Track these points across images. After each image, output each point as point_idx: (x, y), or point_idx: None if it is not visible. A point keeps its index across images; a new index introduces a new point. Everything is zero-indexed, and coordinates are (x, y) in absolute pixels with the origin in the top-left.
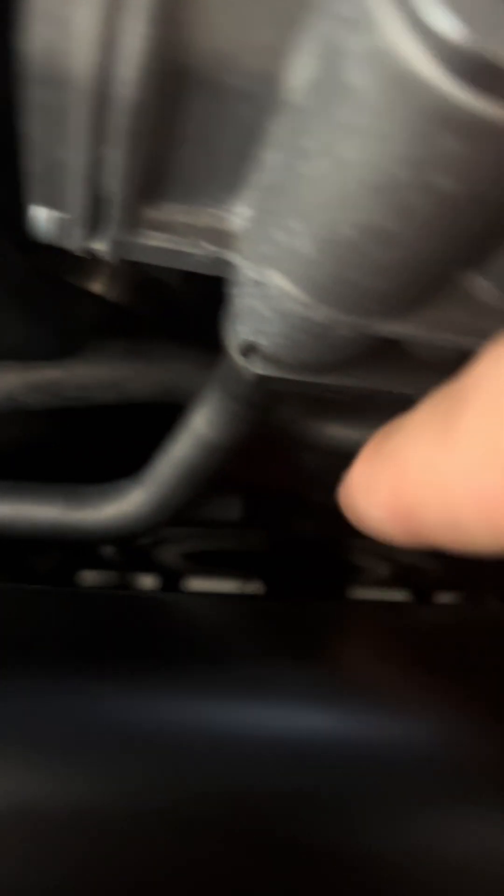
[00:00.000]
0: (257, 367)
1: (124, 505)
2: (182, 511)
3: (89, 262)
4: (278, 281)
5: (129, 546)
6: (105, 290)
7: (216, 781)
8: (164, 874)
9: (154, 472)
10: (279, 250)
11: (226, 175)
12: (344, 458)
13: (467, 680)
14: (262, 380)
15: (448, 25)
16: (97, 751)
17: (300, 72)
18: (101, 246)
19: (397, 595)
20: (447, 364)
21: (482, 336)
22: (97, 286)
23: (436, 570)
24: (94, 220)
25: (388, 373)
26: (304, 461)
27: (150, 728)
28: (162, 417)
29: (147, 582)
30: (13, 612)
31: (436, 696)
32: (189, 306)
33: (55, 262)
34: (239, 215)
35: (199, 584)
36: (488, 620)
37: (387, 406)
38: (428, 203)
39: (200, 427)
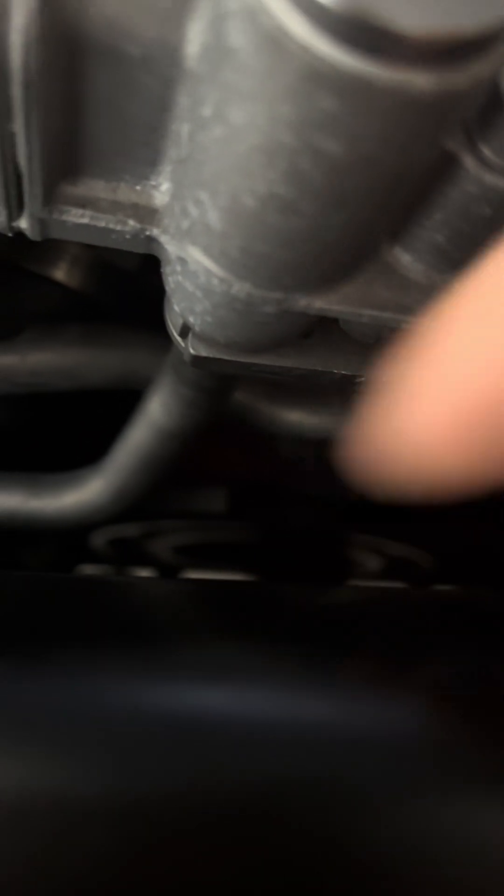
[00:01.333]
0: (193, 348)
1: (84, 493)
2: (142, 499)
3: (49, 250)
4: (197, 256)
5: (123, 540)
6: (65, 277)
7: (185, 767)
8: (154, 863)
9: (113, 460)
10: (194, 224)
11: (142, 149)
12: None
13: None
14: (199, 360)
15: None
16: (77, 737)
17: (195, 38)
18: (24, 224)
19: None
20: (383, 343)
21: (408, 312)
22: (58, 273)
23: (429, 563)
24: (14, 198)
25: (326, 353)
26: (283, 451)
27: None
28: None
29: (143, 576)
30: None
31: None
32: (148, 292)
33: (14, 249)
34: (160, 191)
35: (194, 577)
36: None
37: (350, 392)
38: (318, 168)
39: (156, 413)
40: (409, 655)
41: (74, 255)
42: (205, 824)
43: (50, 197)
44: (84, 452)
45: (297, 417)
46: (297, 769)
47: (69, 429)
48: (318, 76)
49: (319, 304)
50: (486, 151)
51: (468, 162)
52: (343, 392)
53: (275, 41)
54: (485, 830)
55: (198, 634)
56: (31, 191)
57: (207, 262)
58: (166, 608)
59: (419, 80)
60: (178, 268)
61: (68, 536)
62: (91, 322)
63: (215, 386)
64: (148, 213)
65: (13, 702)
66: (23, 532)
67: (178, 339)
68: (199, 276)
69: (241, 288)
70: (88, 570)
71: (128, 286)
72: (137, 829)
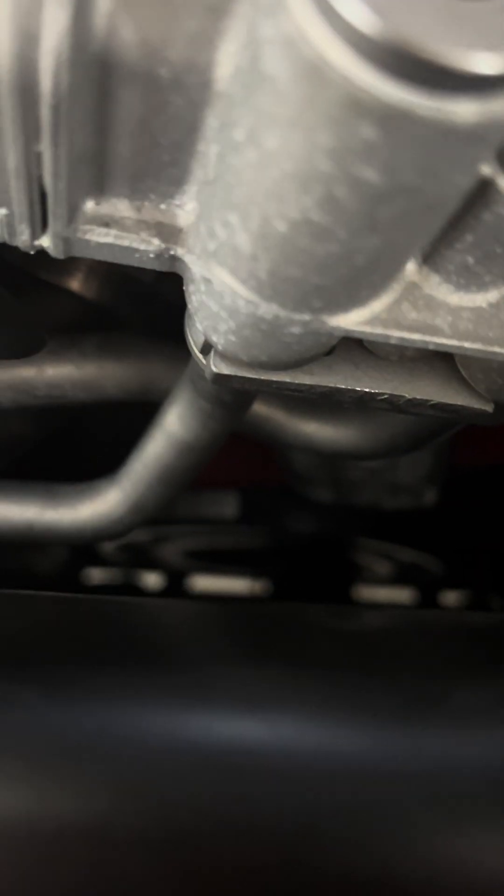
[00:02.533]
0: (215, 366)
1: (100, 504)
2: (159, 511)
3: (65, 261)
4: (224, 277)
5: (132, 545)
6: (82, 288)
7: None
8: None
9: (129, 472)
10: (221, 246)
11: (168, 168)
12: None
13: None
14: (221, 378)
15: (357, 12)
16: (79, 762)
17: (227, 61)
18: (47, 242)
19: (402, 593)
20: (407, 361)
21: (433, 333)
22: (74, 284)
23: (438, 569)
24: (38, 216)
25: (348, 370)
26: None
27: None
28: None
29: (151, 580)
30: None
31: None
32: (165, 304)
33: (31, 260)
34: (185, 210)
35: (204, 582)
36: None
37: (366, 406)
38: (353, 194)
39: (173, 426)
40: (437, 683)
41: (90, 266)
42: (207, 853)
43: (74, 216)
44: (101, 463)
45: (311, 430)
46: (331, 802)
47: (86, 440)
48: (359, 105)
49: (347, 325)
50: None
51: (501, 184)
52: (362, 408)
53: (314, 70)
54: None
55: (216, 659)
56: (56, 210)
57: (234, 284)
58: (182, 631)
59: (460, 109)
60: (203, 287)
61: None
62: (107, 333)
63: (233, 400)
64: (172, 233)
65: (25, 726)
66: (44, 543)
67: (200, 356)
68: (225, 297)
69: (268, 309)
70: (96, 573)
71: (144, 297)
72: (137, 854)
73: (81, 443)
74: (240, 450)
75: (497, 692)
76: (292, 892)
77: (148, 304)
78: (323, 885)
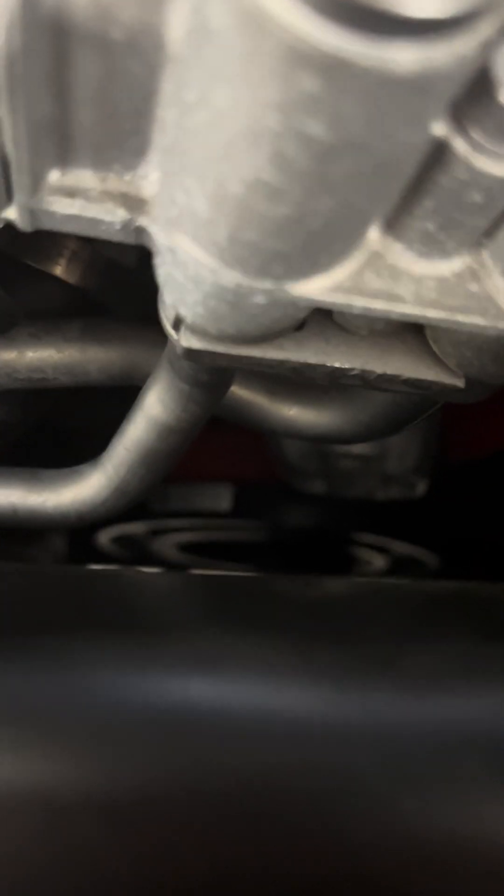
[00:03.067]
0: (185, 341)
1: (84, 488)
2: (144, 495)
3: (48, 246)
4: (186, 245)
5: (128, 538)
6: (65, 274)
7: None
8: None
9: (112, 455)
10: (182, 213)
11: (130, 137)
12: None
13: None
14: (192, 353)
15: None
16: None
17: (177, 22)
18: (12, 214)
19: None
20: (378, 336)
21: (396, 302)
22: (57, 269)
23: (433, 561)
24: (2, 187)
25: (319, 345)
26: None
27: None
28: None
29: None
30: None
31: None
32: (147, 288)
33: (13, 244)
34: (148, 180)
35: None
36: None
37: (347, 389)
38: (302, 151)
39: (153, 408)
40: (392, 644)
41: (73, 251)
42: (199, 813)
43: (38, 186)
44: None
45: (293, 414)
46: (291, 761)
47: (70, 424)
48: (299, 56)
49: (309, 293)
50: (476, 136)
51: (458, 147)
52: (337, 386)
53: (254, 21)
54: (479, 818)
55: (193, 626)
56: (19, 180)
57: (196, 251)
58: (162, 600)
59: (400, 56)
60: (168, 258)
61: (76, 536)
62: (91, 317)
63: (211, 380)
64: (137, 203)
65: (6, 693)
66: (29, 530)
67: (171, 331)
68: (189, 266)
69: (230, 277)
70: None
71: (126, 282)
72: (132, 819)
73: (69, 437)
74: (235, 445)
75: (448, 655)
76: (251, 850)
77: (131, 288)
78: (277, 843)
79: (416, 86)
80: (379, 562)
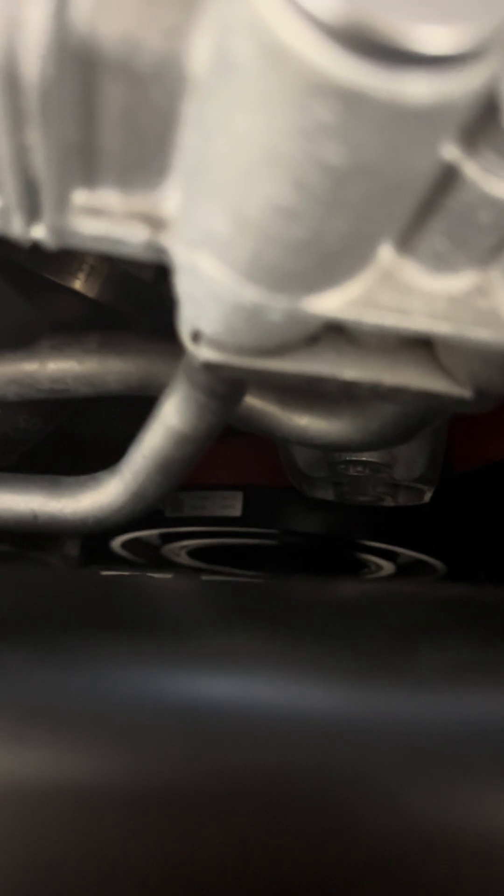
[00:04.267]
0: (204, 354)
1: (102, 495)
2: (159, 501)
3: (67, 260)
4: (206, 265)
5: (139, 541)
6: (84, 287)
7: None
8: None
9: (130, 463)
10: (202, 234)
11: (153, 160)
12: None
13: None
14: (210, 365)
15: None
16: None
17: (200, 52)
18: (40, 233)
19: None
20: (388, 348)
21: (408, 317)
22: (77, 283)
23: (440, 568)
24: (30, 206)
25: (333, 358)
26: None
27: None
28: None
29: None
30: None
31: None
32: (164, 302)
33: (34, 258)
34: (170, 201)
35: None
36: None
37: (357, 399)
38: (320, 177)
39: (170, 418)
40: (404, 642)
41: (92, 266)
42: (210, 813)
43: (65, 207)
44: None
45: (305, 423)
46: (305, 759)
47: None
48: (318, 89)
49: (324, 310)
50: (485, 160)
51: (467, 170)
52: (348, 397)
53: (275, 55)
54: (488, 821)
55: (214, 628)
56: (47, 200)
57: (216, 271)
58: (182, 603)
59: (414, 89)
60: (188, 276)
61: (91, 541)
62: (109, 330)
63: (226, 391)
64: (159, 223)
65: (24, 691)
66: (46, 536)
67: (190, 344)
68: (208, 284)
69: (248, 295)
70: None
71: (143, 295)
72: (145, 818)
73: (85, 445)
74: (245, 451)
75: (461, 655)
76: (266, 846)
77: (148, 302)
78: (294, 840)
79: (429, 115)
80: (387, 567)
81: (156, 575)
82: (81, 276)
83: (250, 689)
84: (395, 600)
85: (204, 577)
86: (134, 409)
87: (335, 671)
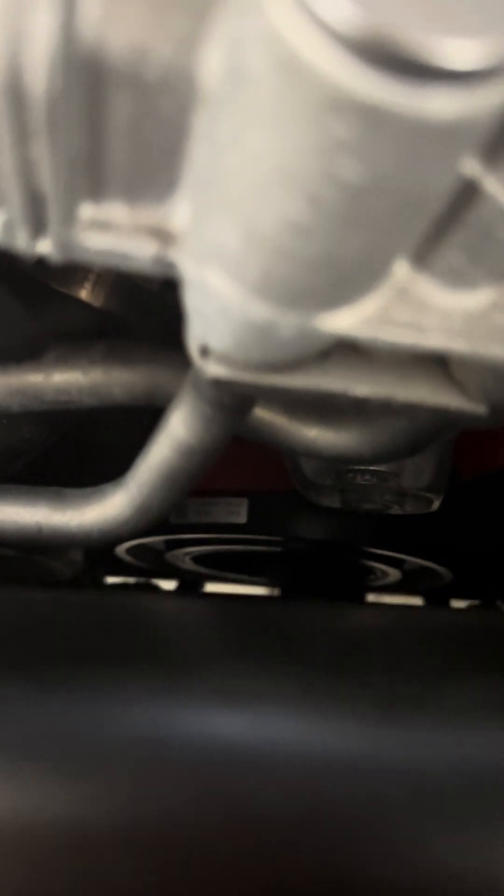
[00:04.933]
0: (212, 370)
1: (107, 507)
2: (166, 514)
3: (73, 269)
4: (216, 280)
5: (143, 547)
6: (90, 297)
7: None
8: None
9: (135, 475)
10: (213, 249)
11: (162, 173)
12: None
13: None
14: (219, 382)
15: (328, 5)
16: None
17: (212, 64)
18: (46, 247)
19: (411, 602)
20: (401, 363)
21: (424, 335)
22: (83, 293)
23: (447, 576)
24: (35, 220)
25: (345, 374)
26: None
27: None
28: None
29: (168, 587)
30: None
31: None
32: (171, 310)
33: (41, 269)
34: (180, 214)
35: (215, 588)
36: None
37: (363, 410)
38: (336, 194)
39: (177, 430)
40: (422, 680)
41: (98, 275)
42: (210, 849)
43: (71, 220)
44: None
45: (313, 434)
46: (318, 795)
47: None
48: (335, 103)
49: (337, 327)
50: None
51: (488, 186)
52: (360, 411)
53: (290, 68)
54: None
55: (216, 657)
56: (53, 213)
57: (226, 285)
58: (184, 628)
59: (436, 105)
60: (197, 290)
61: (96, 548)
62: (115, 340)
63: (234, 404)
64: (168, 237)
65: (22, 724)
66: (51, 546)
67: (198, 359)
68: (218, 300)
69: (259, 312)
70: (113, 581)
71: (151, 305)
72: (147, 853)
73: (91, 456)
74: (251, 457)
75: (477, 692)
76: (276, 886)
77: (155, 312)
78: (305, 880)
79: (451, 132)
80: (393, 574)
81: (161, 583)
82: (88, 285)
83: (256, 727)
84: (413, 631)
85: (209, 588)
86: (144, 418)
87: (345, 710)
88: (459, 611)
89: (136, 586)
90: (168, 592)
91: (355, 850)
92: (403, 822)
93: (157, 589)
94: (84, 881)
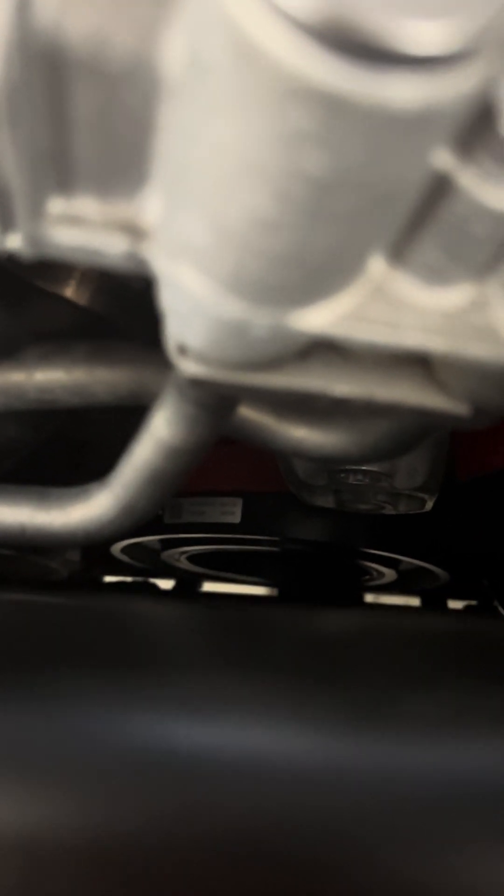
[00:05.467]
0: (190, 368)
1: (91, 508)
2: (151, 514)
3: (58, 267)
4: (188, 276)
5: (139, 546)
6: (75, 295)
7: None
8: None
9: (120, 476)
10: (183, 244)
11: (130, 166)
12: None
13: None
14: (197, 381)
15: None
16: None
17: (174, 53)
18: (16, 242)
19: (407, 603)
20: (382, 363)
21: (401, 334)
22: (68, 291)
23: (444, 577)
24: (3, 215)
25: (324, 374)
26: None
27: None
28: None
29: (166, 586)
30: None
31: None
32: (155, 309)
33: (25, 267)
34: (150, 210)
35: (210, 588)
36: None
37: (345, 410)
38: (302, 187)
39: (160, 430)
40: (399, 689)
41: (83, 273)
42: (190, 859)
43: (39, 214)
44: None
45: (301, 435)
46: (286, 806)
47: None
48: (293, 92)
49: (312, 325)
50: (479, 169)
51: (460, 180)
52: (341, 411)
53: (247, 55)
54: (474, 872)
55: (188, 664)
56: (20, 208)
57: (198, 282)
58: (158, 634)
59: (399, 93)
60: (170, 288)
61: (92, 547)
62: (99, 339)
63: (217, 404)
64: (139, 232)
65: None
66: (35, 546)
67: (176, 358)
68: (191, 297)
69: (231, 309)
70: (110, 580)
71: (136, 303)
72: (121, 866)
73: (83, 454)
74: (244, 458)
75: (446, 700)
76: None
77: (139, 311)
78: (269, 890)
79: (417, 121)
80: (389, 574)
81: (159, 582)
82: (72, 283)
83: (226, 736)
84: (392, 637)
85: (207, 588)
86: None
87: (319, 718)
88: (442, 614)
89: (133, 585)
90: (141, 594)
91: (323, 860)
92: (366, 833)
93: (154, 588)
94: (67, 891)
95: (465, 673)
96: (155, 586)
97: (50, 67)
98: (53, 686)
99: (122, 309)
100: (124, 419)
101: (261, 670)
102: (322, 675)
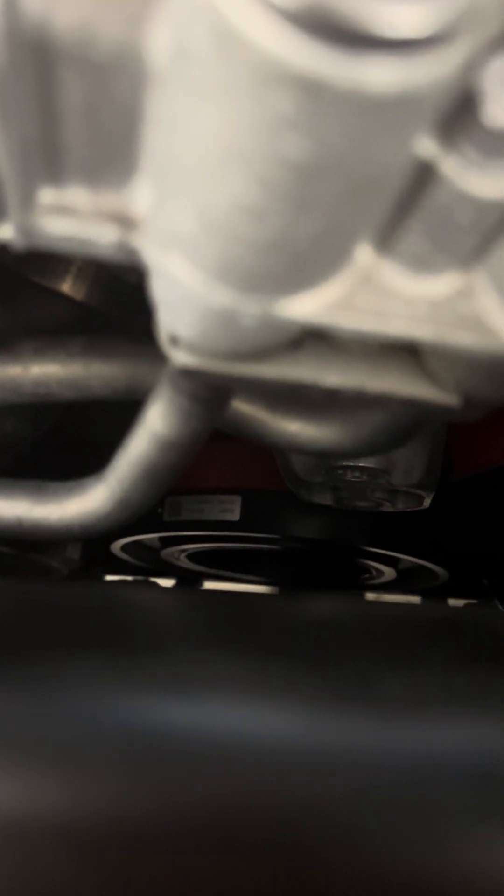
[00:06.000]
0: (182, 358)
1: (87, 502)
2: (147, 507)
3: (55, 262)
4: (177, 265)
5: (138, 544)
6: (71, 290)
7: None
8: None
9: (115, 469)
10: (172, 233)
11: (120, 156)
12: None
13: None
14: (189, 372)
15: None
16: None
17: (160, 41)
18: (7, 233)
19: (411, 601)
20: (373, 354)
21: (388, 323)
22: (64, 286)
23: (443, 575)
24: None
25: (315, 364)
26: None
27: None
28: None
29: (167, 585)
30: None
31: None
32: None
33: (20, 261)
34: (141, 199)
35: (213, 586)
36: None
37: (347, 406)
38: (285, 174)
39: (155, 423)
40: (380, 669)
41: (79, 268)
42: (171, 841)
43: (30, 204)
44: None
45: (295, 429)
46: (267, 786)
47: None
48: (272, 77)
49: (300, 314)
50: (462, 156)
51: (444, 167)
52: (336, 403)
53: (226, 42)
54: (452, 849)
55: (173, 648)
56: (11, 198)
57: (186, 272)
58: (145, 620)
59: (377, 77)
60: (160, 277)
61: (92, 545)
62: (95, 333)
63: (211, 396)
64: (130, 222)
65: None
66: (31, 539)
67: (168, 349)
68: (180, 286)
69: (219, 298)
70: (111, 579)
71: (132, 298)
72: (104, 849)
73: (83, 447)
74: (243, 455)
75: (426, 680)
76: (218, 877)
77: (136, 304)
78: (250, 871)
79: (396, 106)
80: (388, 572)
81: (159, 581)
82: (69, 278)
83: (212, 716)
84: (372, 620)
85: (207, 586)
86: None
87: (298, 700)
88: (423, 604)
89: (133, 584)
90: (143, 586)
91: (297, 843)
92: (346, 812)
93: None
94: (30, 881)
95: (451, 654)
96: (154, 585)
97: (38, 59)
98: (45, 668)
99: (118, 303)
100: (125, 418)
101: (250, 652)
102: (311, 657)
